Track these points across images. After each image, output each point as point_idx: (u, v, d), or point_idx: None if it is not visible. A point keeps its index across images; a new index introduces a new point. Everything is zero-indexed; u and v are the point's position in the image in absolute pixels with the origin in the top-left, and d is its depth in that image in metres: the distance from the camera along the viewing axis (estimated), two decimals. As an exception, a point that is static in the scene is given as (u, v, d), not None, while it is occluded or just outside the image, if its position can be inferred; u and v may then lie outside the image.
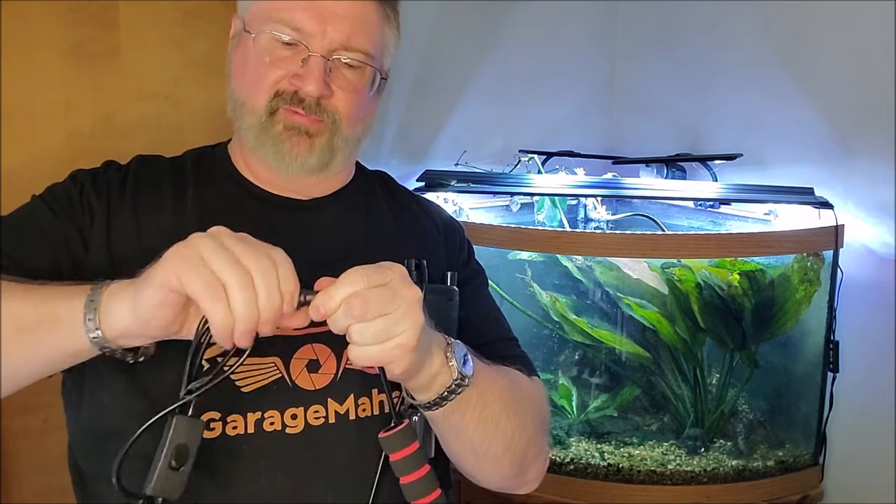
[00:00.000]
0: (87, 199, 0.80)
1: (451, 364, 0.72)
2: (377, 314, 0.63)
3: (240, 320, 0.58)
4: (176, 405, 0.63)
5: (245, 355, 0.62)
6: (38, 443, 1.40)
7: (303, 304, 0.63)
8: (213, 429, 0.73)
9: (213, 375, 0.64)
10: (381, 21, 0.82)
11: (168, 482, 0.61)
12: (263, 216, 0.83)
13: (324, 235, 0.85)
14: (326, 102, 0.79)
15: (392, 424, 0.71)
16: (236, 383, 0.75)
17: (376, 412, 0.80)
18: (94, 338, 0.62)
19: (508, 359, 0.89)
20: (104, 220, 0.78)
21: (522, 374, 0.88)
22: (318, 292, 0.63)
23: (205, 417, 0.73)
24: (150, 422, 0.62)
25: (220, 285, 0.58)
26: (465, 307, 0.89)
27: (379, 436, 0.70)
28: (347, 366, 0.79)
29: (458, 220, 1.02)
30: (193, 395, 0.63)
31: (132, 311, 0.61)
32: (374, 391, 0.80)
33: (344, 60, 0.79)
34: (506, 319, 0.99)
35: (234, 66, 0.82)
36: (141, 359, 0.67)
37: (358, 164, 0.95)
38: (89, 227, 0.78)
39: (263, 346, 0.74)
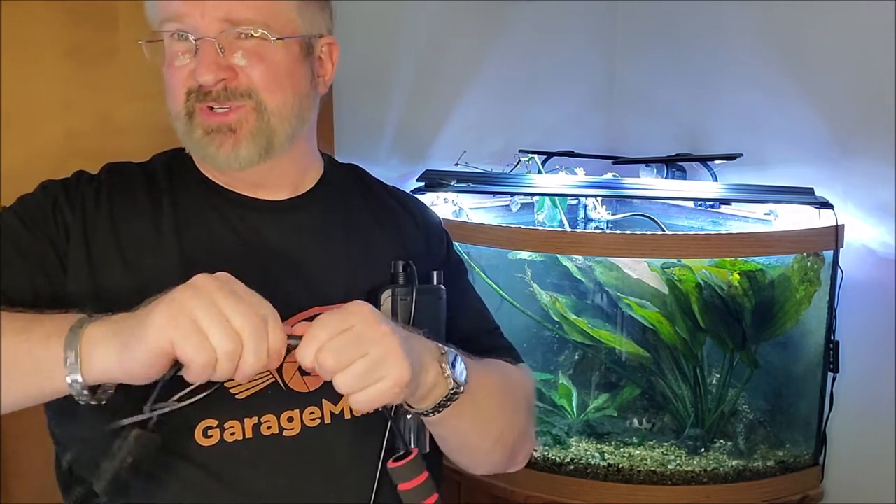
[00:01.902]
0: (61, 213, 0.77)
1: (446, 375, 0.72)
2: (350, 360, 0.64)
3: (220, 376, 0.61)
4: (136, 419, 0.64)
5: (214, 388, 0.65)
6: (38, 443, 1.40)
7: (289, 349, 0.65)
8: (211, 436, 0.73)
9: (179, 398, 0.65)
10: None
11: (114, 486, 0.63)
12: (241, 220, 0.82)
13: (304, 236, 0.84)
14: (234, 84, 0.75)
15: (402, 454, 0.72)
16: (230, 391, 0.74)
17: (371, 410, 0.80)
18: (71, 382, 0.62)
19: (494, 351, 0.91)
20: (81, 234, 0.76)
21: (510, 364, 0.89)
22: (301, 337, 0.65)
23: (202, 425, 0.73)
24: (114, 425, 0.64)
25: (213, 351, 0.59)
26: (449, 302, 0.89)
27: (388, 466, 0.72)
28: None
29: (435, 212, 1.00)
30: (155, 413, 0.64)
31: (119, 365, 0.62)
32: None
33: (235, 35, 0.75)
34: (487, 308, 0.99)
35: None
36: (104, 397, 0.66)
37: (328, 158, 0.93)
38: (64, 244, 0.76)
39: None
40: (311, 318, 0.75)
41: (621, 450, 1.51)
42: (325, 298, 0.80)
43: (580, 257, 1.56)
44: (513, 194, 1.69)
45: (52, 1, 1.35)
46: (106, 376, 0.63)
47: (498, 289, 1.58)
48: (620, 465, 1.46)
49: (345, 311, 0.67)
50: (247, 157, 0.77)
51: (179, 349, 0.59)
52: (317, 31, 0.82)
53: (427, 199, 1.59)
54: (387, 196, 0.95)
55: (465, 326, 0.91)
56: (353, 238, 0.87)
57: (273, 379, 0.77)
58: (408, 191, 1.06)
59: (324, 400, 0.78)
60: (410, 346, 0.68)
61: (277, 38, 0.76)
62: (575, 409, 1.59)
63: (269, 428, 0.75)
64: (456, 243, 1.03)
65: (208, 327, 0.59)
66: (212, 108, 0.75)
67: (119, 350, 0.61)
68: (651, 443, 1.52)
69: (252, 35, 0.75)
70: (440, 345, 0.75)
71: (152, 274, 0.76)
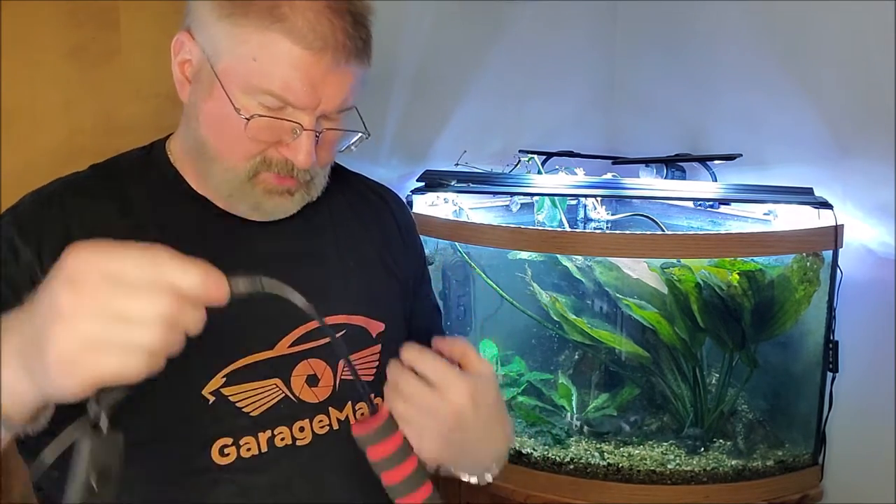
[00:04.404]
0: (25, 261, 0.70)
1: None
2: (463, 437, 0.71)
3: (165, 355, 0.52)
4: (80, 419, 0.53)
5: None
6: (38, 442, 1.40)
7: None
8: (228, 454, 0.74)
9: (126, 389, 0.53)
10: (362, 72, 0.77)
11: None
12: (228, 232, 0.80)
13: (288, 245, 0.84)
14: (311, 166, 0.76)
15: (366, 416, 0.67)
16: (243, 410, 0.75)
17: None
18: None
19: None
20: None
21: None
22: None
23: (218, 444, 0.73)
24: (58, 440, 0.52)
25: (136, 356, 0.49)
26: (419, 306, 0.94)
27: (353, 433, 0.66)
28: (343, 377, 0.81)
29: (398, 193, 1.00)
30: (102, 407, 0.53)
31: (40, 394, 0.53)
32: (371, 395, 0.81)
33: (329, 127, 0.76)
34: (439, 307, 1.03)
35: (203, 114, 0.74)
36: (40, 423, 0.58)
37: None
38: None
39: (263, 370, 0.76)
40: (313, 331, 0.78)
41: (621, 449, 1.51)
42: (321, 308, 0.80)
43: (580, 257, 1.56)
44: (513, 194, 1.70)
45: (54, 1, 1.35)
46: (29, 405, 0.54)
47: (498, 289, 1.58)
48: (620, 465, 1.46)
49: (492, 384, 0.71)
50: (290, 211, 0.80)
51: (94, 380, 0.49)
52: None
53: (427, 199, 1.59)
54: (366, 189, 0.96)
55: (429, 330, 0.94)
56: (341, 238, 0.88)
57: (283, 394, 0.78)
58: (405, 189, 1.06)
59: (330, 407, 0.80)
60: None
61: (348, 130, 0.79)
62: (575, 409, 1.59)
63: (282, 439, 0.76)
64: (456, 243, 1.04)
65: (114, 337, 0.49)
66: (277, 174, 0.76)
67: (30, 380, 0.52)
68: (651, 442, 1.53)
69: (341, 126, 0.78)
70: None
71: None
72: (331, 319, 0.81)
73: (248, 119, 0.71)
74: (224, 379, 0.75)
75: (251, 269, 0.78)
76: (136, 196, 0.79)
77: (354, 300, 0.84)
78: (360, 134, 0.79)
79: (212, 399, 0.74)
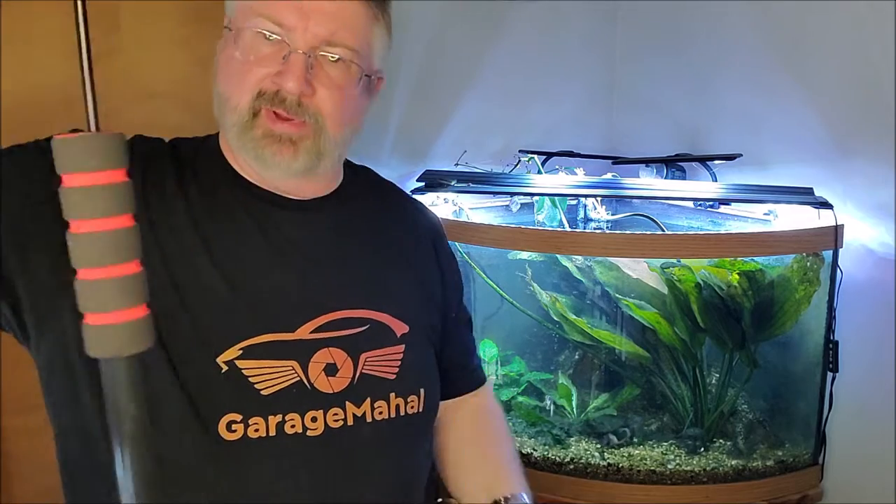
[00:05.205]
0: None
1: None
2: None
3: None
4: None
5: None
6: (38, 443, 1.40)
7: None
8: (235, 431, 0.74)
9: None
10: (369, 20, 0.79)
11: None
12: (266, 216, 0.82)
13: (325, 235, 0.85)
14: (308, 101, 0.76)
15: None
16: (255, 386, 0.75)
17: (392, 415, 0.82)
18: None
19: (465, 385, 1.00)
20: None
21: (497, 414, 1.02)
22: None
23: (225, 420, 0.74)
24: None
25: None
26: (449, 340, 0.96)
27: None
28: (364, 370, 0.81)
29: (439, 220, 1.03)
30: None
31: None
32: (392, 395, 0.82)
33: (329, 57, 0.76)
34: (471, 329, 1.06)
35: (220, 64, 0.80)
36: None
37: (346, 161, 0.94)
38: None
39: (280, 350, 0.76)
40: (337, 321, 0.79)
41: (621, 449, 1.51)
42: (343, 300, 0.81)
43: (580, 257, 1.56)
44: (513, 194, 1.70)
45: (54, 1, 1.35)
46: None
47: (498, 289, 1.58)
48: (620, 465, 1.46)
49: None
50: (298, 168, 0.78)
51: None
52: (382, 65, 0.84)
53: (427, 199, 1.59)
54: (403, 201, 0.98)
55: (461, 366, 0.99)
56: (370, 242, 0.88)
57: (298, 378, 0.77)
58: (405, 189, 1.08)
59: (347, 402, 0.79)
60: None
61: (363, 73, 0.79)
62: (575, 409, 1.59)
63: (292, 427, 0.76)
64: (456, 243, 1.04)
65: None
66: (276, 113, 0.76)
67: None
68: (651, 442, 1.53)
69: (341, 61, 0.77)
70: None
71: (177, 254, 0.76)
72: (354, 313, 0.81)
73: (237, 31, 0.75)
74: (241, 351, 0.75)
75: (275, 251, 0.79)
76: (189, 163, 0.83)
77: (379, 298, 0.85)
78: (362, 71, 0.79)
79: (225, 368, 0.74)
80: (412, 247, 0.93)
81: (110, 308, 0.43)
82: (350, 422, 0.79)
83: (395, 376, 0.83)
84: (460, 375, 1.00)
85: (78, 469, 0.78)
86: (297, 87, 0.74)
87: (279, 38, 0.75)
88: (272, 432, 0.75)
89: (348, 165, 0.94)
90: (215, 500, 0.73)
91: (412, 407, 0.84)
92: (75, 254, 0.42)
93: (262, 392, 0.75)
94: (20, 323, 0.74)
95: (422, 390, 0.85)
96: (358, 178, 0.94)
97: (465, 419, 0.99)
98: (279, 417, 0.75)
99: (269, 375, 0.76)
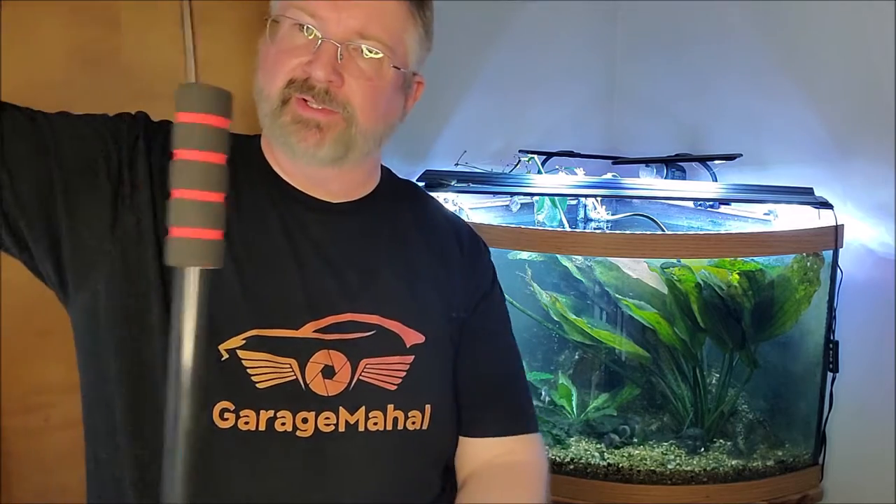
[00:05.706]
0: (129, 149, 0.81)
1: None
2: None
3: None
4: None
5: None
6: (38, 443, 1.40)
7: None
8: (227, 419, 0.74)
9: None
10: (404, 17, 0.80)
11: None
12: (291, 214, 0.82)
13: (345, 239, 0.84)
14: (336, 91, 0.76)
15: None
16: (252, 378, 0.75)
17: (388, 428, 0.80)
18: None
19: (506, 427, 0.89)
20: (147, 175, 0.78)
21: (529, 471, 0.89)
22: None
23: (219, 407, 0.74)
24: None
25: None
26: (475, 352, 0.89)
27: None
28: (362, 377, 0.79)
29: (486, 244, 0.98)
30: None
31: None
32: (390, 406, 0.80)
33: (361, 50, 0.77)
34: (518, 359, 0.97)
35: (260, 56, 0.81)
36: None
37: (387, 171, 0.93)
38: (128, 193, 0.76)
39: (282, 345, 0.76)
40: (343, 323, 0.78)
41: (621, 449, 1.51)
42: (352, 303, 0.80)
43: (580, 257, 1.56)
44: (513, 194, 1.70)
45: (54, 1, 1.36)
46: None
47: (498, 289, 1.58)
48: (620, 465, 1.46)
49: None
50: (324, 157, 0.77)
51: None
52: (419, 67, 0.86)
53: (427, 199, 1.59)
54: (439, 216, 0.95)
55: (479, 371, 0.90)
56: (395, 250, 0.87)
57: (294, 376, 0.77)
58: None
59: (341, 407, 0.78)
60: None
61: (395, 67, 0.79)
62: (575, 409, 1.59)
63: (283, 424, 0.75)
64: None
65: None
66: (306, 101, 0.76)
67: None
68: (651, 442, 1.53)
69: (373, 55, 0.77)
70: None
71: None
72: (361, 317, 0.80)
73: (273, 21, 0.77)
74: (243, 341, 0.75)
75: (295, 251, 0.79)
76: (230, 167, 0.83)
77: (393, 305, 0.83)
78: (392, 67, 0.79)
79: (225, 356, 0.74)
80: (439, 260, 0.90)
81: (196, 225, 0.51)
82: (342, 428, 0.78)
83: (395, 387, 0.81)
84: (481, 406, 0.89)
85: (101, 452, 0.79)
86: (324, 75, 0.75)
87: (313, 28, 0.76)
88: (262, 427, 0.75)
89: (391, 177, 0.94)
90: (198, 484, 0.73)
91: (413, 423, 0.81)
92: (176, 177, 0.52)
93: (258, 385, 0.75)
94: (61, 281, 0.77)
95: (428, 406, 0.82)
96: (394, 187, 0.93)
97: (481, 478, 0.87)
98: (270, 413, 0.75)
99: (267, 369, 0.76)
